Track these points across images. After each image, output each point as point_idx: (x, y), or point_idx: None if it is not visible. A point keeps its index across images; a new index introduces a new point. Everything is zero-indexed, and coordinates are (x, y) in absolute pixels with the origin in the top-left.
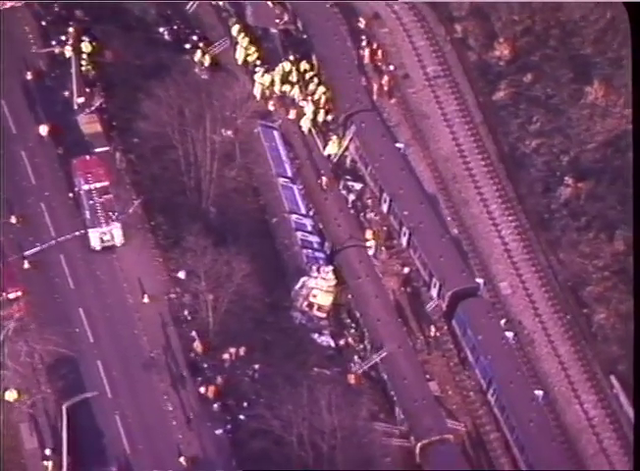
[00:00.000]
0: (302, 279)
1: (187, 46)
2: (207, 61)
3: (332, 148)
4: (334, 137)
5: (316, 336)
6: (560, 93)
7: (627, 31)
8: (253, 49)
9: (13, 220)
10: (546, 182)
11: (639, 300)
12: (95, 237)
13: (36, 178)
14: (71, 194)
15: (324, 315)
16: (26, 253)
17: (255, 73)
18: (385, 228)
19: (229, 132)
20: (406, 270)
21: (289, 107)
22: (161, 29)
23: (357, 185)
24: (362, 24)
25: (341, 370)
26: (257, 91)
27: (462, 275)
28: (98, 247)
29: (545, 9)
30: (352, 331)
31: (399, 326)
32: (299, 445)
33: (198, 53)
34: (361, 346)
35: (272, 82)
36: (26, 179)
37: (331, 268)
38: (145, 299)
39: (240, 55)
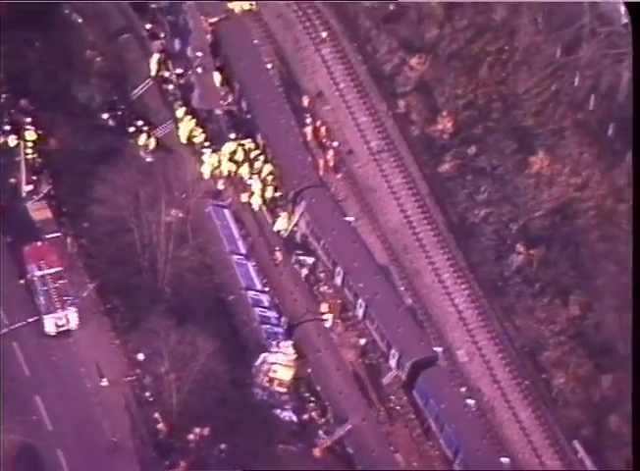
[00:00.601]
0: (263, 355)
1: (132, 130)
2: (152, 144)
3: (281, 224)
4: (283, 214)
5: (278, 411)
6: (505, 164)
7: (569, 103)
8: (200, 131)
9: None
10: (497, 250)
11: (638, 301)
12: (50, 323)
13: None
14: (22, 281)
15: (285, 390)
16: None
17: (203, 154)
18: (339, 300)
19: (179, 214)
20: (363, 341)
21: (237, 186)
22: (105, 115)
23: (309, 260)
24: (305, 102)
25: (306, 445)
26: (206, 171)
27: (421, 344)
28: (53, 332)
29: (489, 83)
30: (314, 405)
31: (361, 398)
32: None
33: (143, 136)
34: (324, 420)
35: (219, 162)
36: None
37: (290, 342)
38: (104, 383)
39: (183, 134)
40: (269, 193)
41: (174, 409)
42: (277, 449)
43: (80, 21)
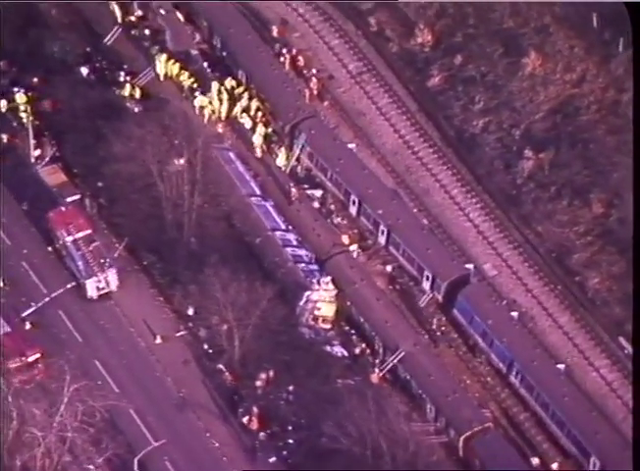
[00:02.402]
0: (306, 293)
1: (115, 81)
2: (138, 93)
3: (281, 160)
4: (282, 149)
5: (328, 348)
6: (495, 69)
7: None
8: (187, 74)
9: (0, 284)
10: (504, 158)
11: (638, 292)
12: (92, 287)
13: (9, 238)
14: (50, 248)
15: (329, 326)
16: (24, 314)
17: (195, 97)
18: (356, 230)
19: (181, 161)
20: (389, 268)
21: (235, 126)
22: (84, 69)
23: (317, 193)
24: (275, 32)
25: (362, 377)
26: (205, 116)
27: (453, 263)
28: (95, 296)
29: None
30: (359, 338)
31: (408, 324)
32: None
33: (127, 87)
34: (374, 351)
35: (211, 104)
36: None
37: (330, 278)
38: (158, 340)
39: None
40: (261, 130)
41: (235, 359)
42: (337, 385)
43: None
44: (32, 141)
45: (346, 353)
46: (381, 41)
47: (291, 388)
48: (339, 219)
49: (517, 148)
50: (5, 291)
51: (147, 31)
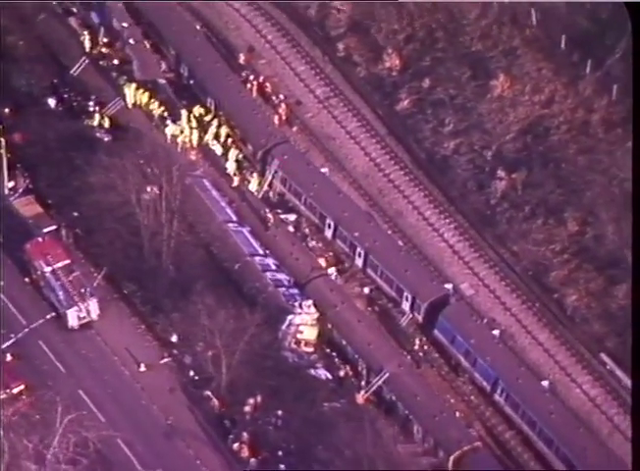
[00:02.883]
0: (289, 317)
1: (84, 112)
2: (107, 123)
3: (253, 185)
4: (254, 175)
5: (313, 371)
6: (463, 92)
7: (512, 21)
8: (157, 103)
9: None
10: (477, 179)
11: (637, 292)
12: (73, 316)
13: None
14: (27, 279)
15: (312, 350)
16: (4, 346)
17: (166, 126)
18: (332, 253)
19: (155, 189)
20: (367, 290)
21: (208, 153)
22: (51, 101)
23: (291, 217)
24: (242, 59)
25: (347, 399)
26: (178, 144)
27: (432, 284)
28: (76, 326)
29: (423, 14)
30: (343, 359)
31: (390, 346)
32: None
33: (97, 117)
34: (359, 373)
35: (182, 132)
36: None
37: (311, 301)
38: (142, 368)
39: (130, 101)
40: (233, 156)
41: (222, 385)
42: (324, 408)
43: None
44: (5, 173)
45: (330, 376)
46: (348, 66)
47: (279, 412)
48: (313, 242)
49: (490, 169)
50: None
51: (116, 61)
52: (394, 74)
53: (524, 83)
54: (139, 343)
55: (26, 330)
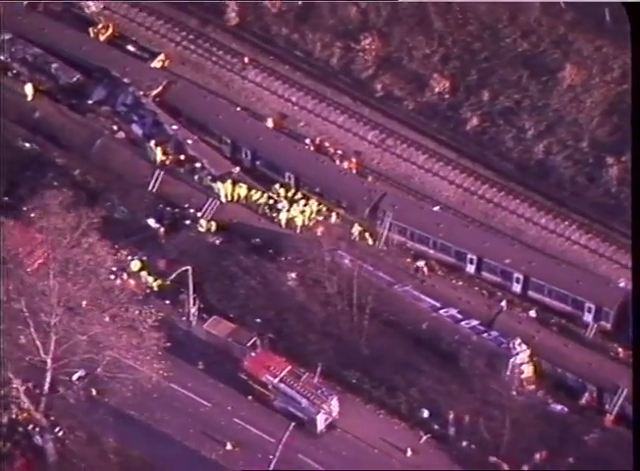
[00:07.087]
0: (510, 360)
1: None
2: (214, 227)
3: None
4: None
5: (550, 408)
6: (528, 93)
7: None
8: (259, 193)
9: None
10: (585, 173)
11: (638, 292)
12: (321, 421)
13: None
14: (249, 397)
15: (533, 387)
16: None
17: (277, 211)
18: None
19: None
20: (533, 313)
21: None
22: (151, 221)
23: (420, 263)
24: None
25: (599, 427)
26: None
27: (610, 287)
28: (324, 429)
29: (452, 31)
30: (565, 388)
31: (603, 360)
32: None
33: (203, 223)
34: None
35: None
36: None
37: (519, 339)
38: (408, 453)
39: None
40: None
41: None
42: (587, 442)
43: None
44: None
45: (566, 409)
46: (391, 103)
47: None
48: (454, 281)
49: (593, 159)
50: (236, 452)
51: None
52: (446, 97)
53: (589, 67)
54: (389, 429)
55: (280, 447)
